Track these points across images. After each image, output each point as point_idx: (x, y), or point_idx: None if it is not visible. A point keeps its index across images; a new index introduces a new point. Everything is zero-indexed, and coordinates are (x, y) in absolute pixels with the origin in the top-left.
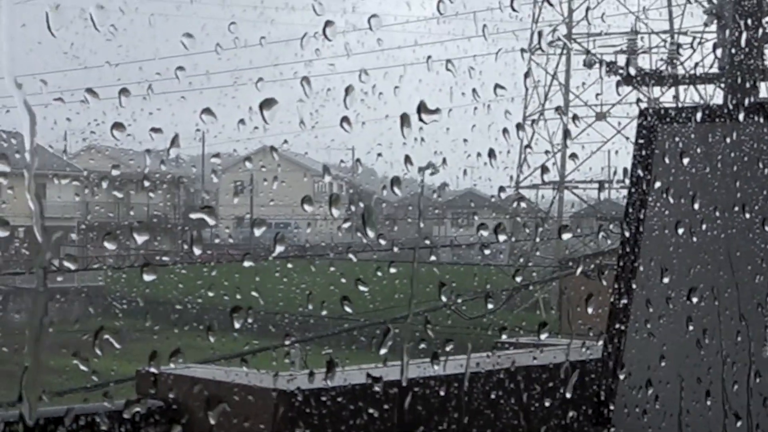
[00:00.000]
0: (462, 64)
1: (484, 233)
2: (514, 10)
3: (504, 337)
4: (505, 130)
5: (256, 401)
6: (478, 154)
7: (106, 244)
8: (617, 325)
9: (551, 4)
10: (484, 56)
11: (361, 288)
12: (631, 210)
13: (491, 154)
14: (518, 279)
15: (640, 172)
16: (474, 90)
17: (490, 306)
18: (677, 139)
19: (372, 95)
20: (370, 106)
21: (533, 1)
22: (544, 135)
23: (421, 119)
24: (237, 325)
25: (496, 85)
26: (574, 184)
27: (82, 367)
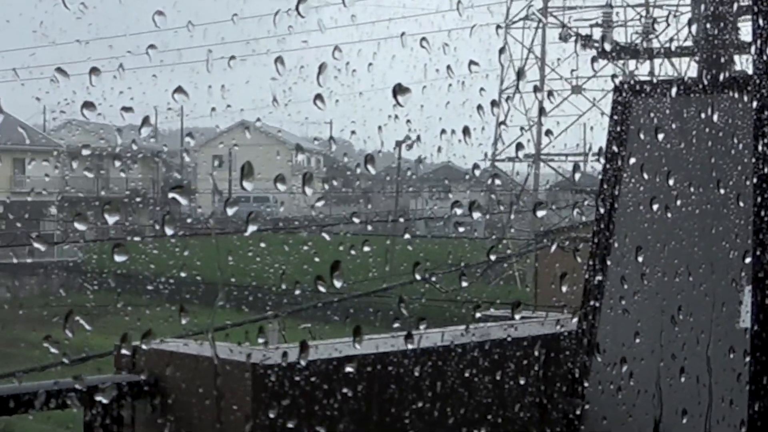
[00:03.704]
0: (436, 41)
1: (459, 210)
2: None
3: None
4: (479, 107)
5: (233, 376)
6: (453, 131)
7: (77, 225)
8: (592, 302)
9: None
10: (458, 31)
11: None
12: (605, 186)
13: (466, 131)
14: (493, 254)
15: (615, 147)
16: (448, 66)
17: (464, 284)
18: (652, 113)
19: (345, 72)
20: (343, 83)
21: None
22: (520, 110)
23: (397, 102)
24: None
25: (471, 62)
26: (550, 157)
27: (64, 342)
